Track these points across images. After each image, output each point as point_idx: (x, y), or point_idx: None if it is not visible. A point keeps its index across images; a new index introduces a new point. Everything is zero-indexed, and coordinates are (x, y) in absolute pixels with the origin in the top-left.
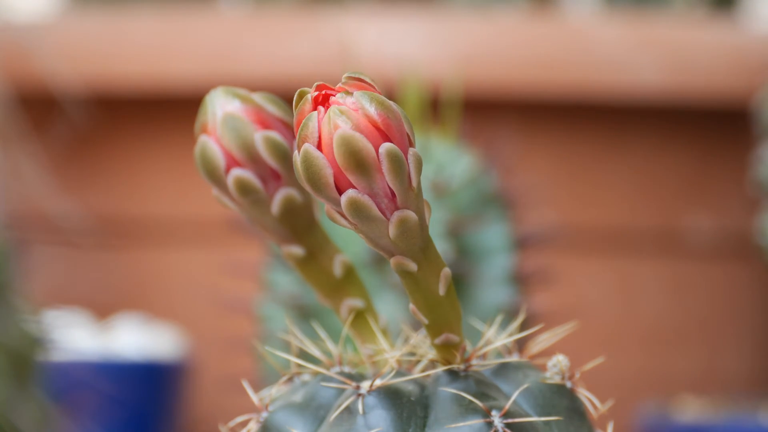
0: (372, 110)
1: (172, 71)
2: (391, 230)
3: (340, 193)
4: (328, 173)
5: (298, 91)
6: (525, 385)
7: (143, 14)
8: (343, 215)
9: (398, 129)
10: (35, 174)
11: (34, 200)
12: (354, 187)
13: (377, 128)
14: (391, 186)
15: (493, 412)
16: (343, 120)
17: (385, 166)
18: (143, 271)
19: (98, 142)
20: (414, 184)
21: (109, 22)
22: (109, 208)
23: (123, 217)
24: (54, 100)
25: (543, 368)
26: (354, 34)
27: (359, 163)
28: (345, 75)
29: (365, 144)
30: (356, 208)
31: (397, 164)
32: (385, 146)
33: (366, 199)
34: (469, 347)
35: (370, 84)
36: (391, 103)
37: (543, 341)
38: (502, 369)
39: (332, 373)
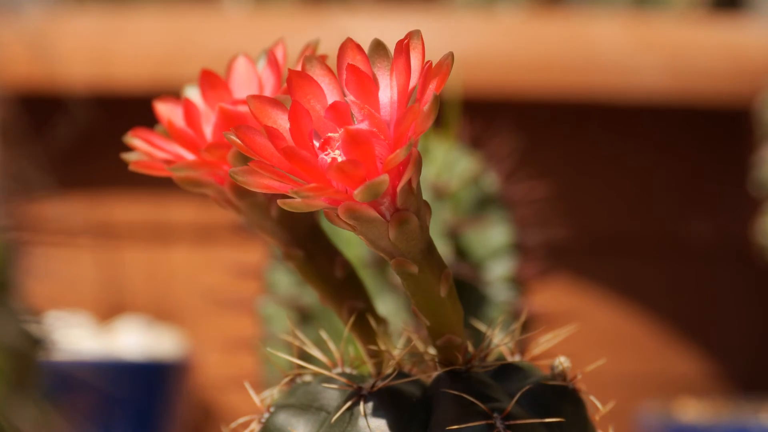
0: None
1: (174, 71)
2: (391, 232)
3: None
4: None
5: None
6: (527, 387)
7: (146, 15)
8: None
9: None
10: (36, 174)
11: (36, 200)
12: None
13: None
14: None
15: (495, 414)
16: None
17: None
18: (145, 272)
19: (100, 142)
20: (414, 185)
21: (111, 23)
22: (111, 209)
23: (125, 217)
24: (57, 101)
25: (545, 370)
26: (356, 34)
27: None
28: None
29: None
30: (352, 211)
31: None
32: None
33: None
34: (470, 348)
35: None
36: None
37: (544, 343)
38: (504, 370)
39: (333, 374)
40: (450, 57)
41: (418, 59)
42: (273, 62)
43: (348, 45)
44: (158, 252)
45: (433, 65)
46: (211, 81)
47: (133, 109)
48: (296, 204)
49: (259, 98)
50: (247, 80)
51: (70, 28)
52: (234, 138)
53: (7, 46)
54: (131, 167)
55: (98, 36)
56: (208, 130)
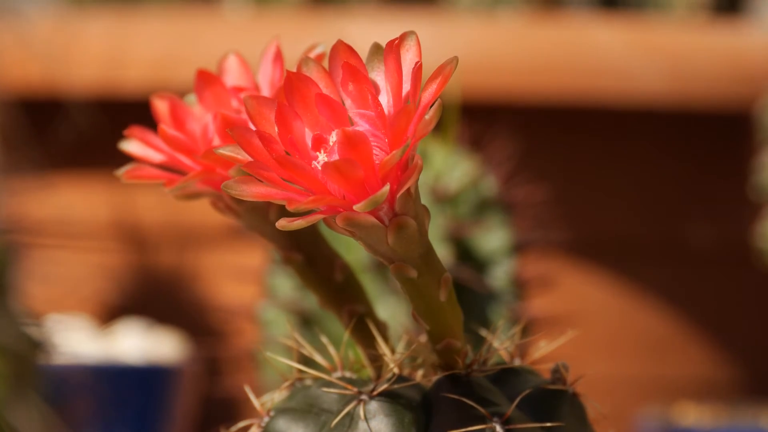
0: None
1: (175, 75)
2: (390, 237)
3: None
4: None
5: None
6: (526, 391)
7: (147, 19)
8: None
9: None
10: (38, 177)
11: (37, 203)
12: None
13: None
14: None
15: (495, 418)
16: None
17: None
18: (146, 275)
19: (102, 145)
20: (412, 190)
21: (113, 27)
22: (111, 212)
23: (126, 221)
24: (59, 104)
25: (544, 374)
26: (356, 38)
27: None
28: None
29: None
30: (351, 220)
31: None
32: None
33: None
34: (470, 353)
35: None
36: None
37: (544, 347)
38: (504, 374)
39: (333, 378)
40: (454, 61)
41: (411, 60)
42: (275, 59)
43: (339, 47)
44: (159, 254)
45: (425, 67)
46: (207, 80)
47: (134, 112)
48: (296, 224)
49: (256, 98)
50: (241, 79)
51: (76, 31)
52: (226, 152)
53: (11, 51)
54: (123, 180)
55: (100, 39)
56: (202, 131)
